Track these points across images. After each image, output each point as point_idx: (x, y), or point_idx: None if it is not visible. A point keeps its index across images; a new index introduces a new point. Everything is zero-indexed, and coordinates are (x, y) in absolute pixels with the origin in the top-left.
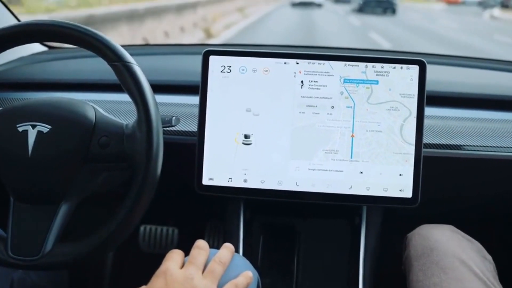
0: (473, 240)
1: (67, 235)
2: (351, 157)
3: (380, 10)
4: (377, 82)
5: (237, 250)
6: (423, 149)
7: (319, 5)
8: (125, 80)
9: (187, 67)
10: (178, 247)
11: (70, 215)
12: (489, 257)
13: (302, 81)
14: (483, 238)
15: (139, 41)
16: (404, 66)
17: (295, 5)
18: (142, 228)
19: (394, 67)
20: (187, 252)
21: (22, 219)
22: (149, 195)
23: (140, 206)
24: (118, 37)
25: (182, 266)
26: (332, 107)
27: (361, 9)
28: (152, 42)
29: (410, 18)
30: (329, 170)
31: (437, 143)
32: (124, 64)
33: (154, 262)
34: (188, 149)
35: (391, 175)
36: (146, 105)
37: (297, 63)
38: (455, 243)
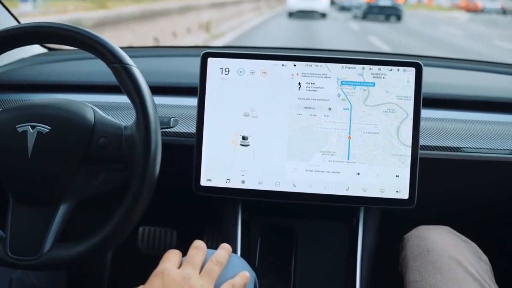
0: (469, 241)
1: (65, 235)
2: (348, 159)
3: (383, 16)
4: (373, 84)
5: (235, 251)
6: (420, 151)
7: (323, 15)
8: (123, 82)
9: (185, 69)
10: (176, 248)
11: (68, 216)
12: (485, 258)
13: (299, 83)
14: (479, 239)
15: None
16: (401, 68)
17: (292, 14)
18: (141, 229)
19: (391, 69)
20: (185, 253)
21: (21, 219)
22: (147, 196)
23: (138, 207)
24: None
25: (180, 266)
26: (329, 109)
27: (364, 16)
28: None
29: (447, 33)
30: (326, 172)
31: (434, 145)
32: (123, 65)
33: (152, 263)
34: (186, 151)
35: (387, 177)
36: (145, 107)
37: (295, 65)
38: (451, 244)
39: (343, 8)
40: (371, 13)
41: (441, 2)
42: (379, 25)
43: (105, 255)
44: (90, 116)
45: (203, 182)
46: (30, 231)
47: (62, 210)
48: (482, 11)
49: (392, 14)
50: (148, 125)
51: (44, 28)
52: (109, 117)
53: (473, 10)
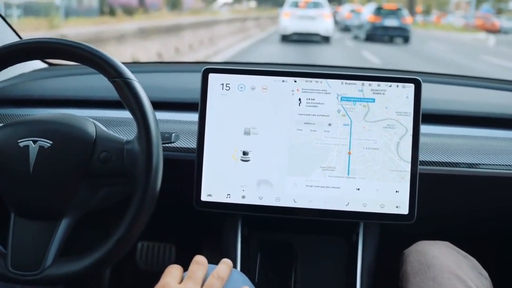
0: (469, 256)
1: (67, 250)
2: (348, 174)
3: (388, 37)
4: (373, 100)
5: (235, 266)
6: (419, 167)
7: (326, 38)
8: (125, 96)
9: (186, 85)
10: (176, 264)
11: (70, 230)
12: (485, 273)
13: (299, 99)
14: (479, 254)
15: None
16: (400, 84)
17: (286, 38)
18: (139, 245)
19: (390, 85)
20: (185, 268)
21: (22, 234)
22: (148, 211)
23: (139, 222)
24: None
25: (181, 281)
26: (329, 124)
27: (369, 37)
28: None
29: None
30: (326, 187)
31: (433, 160)
32: (124, 80)
33: (151, 279)
34: (187, 166)
35: (387, 192)
36: (146, 121)
37: (295, 81)
38: (451, 259)
39: (347, 29)
40: (375, 34)
41: (451, 21)
42: (401, 53)
43: (106, 270)
44: (92, 130)
45: (204, 197)
46: (32, 246)
47: (63, 224)
48: (499, 31)
49: (399, 35)
50: (150, 139)
51: (46, 43)
52: (111, 132)
53: (490, 30)
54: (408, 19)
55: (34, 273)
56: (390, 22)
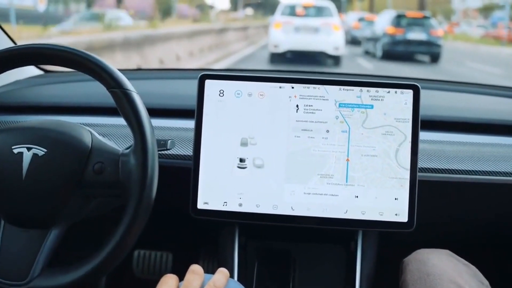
0: (469, 264)
1: (56, 259)
2: (346, 181)
3: (408, 54)
4: (372, 106)
5: (232, 276)
6: (418, 173)
7: (335, 59)
8: (123, 107)
9: (183, 91)
10: (172, 272)
11: (60, 240)
12: (486, 282)
13: (297, 105)
14: (479, 263)
15: None
16: (399, 90)
17: (277, 57)
18: (136, 253)
19: (389, 92)
20: (182, 277)
21: (11, 242)
22: (142, 221)
23: (133, 233)
24: None
25: None
26: (327, 131)
27: (387, 54)
28: None
29: None
30: (325, 194)
31: (432, 167)
32: (123, 91)
33: None
34: (183, 173)
35: (386, 199)
36: (143, 134)
37: (293, 87)
38: (451, 267)
39: (355, 41)
40: (396, 50)
41: (465, 30)
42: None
43: (98, 280)
44: (88, 140)
45: (200, 205)
46: (20, 254)
47: (53, 234)
48: None
49: (426, 52)
50: (146, 153)
51: (44, 49)
52: (107, 141)
53: None
54: (439, 31)
55: (21, 283)
56: (416, 34)
